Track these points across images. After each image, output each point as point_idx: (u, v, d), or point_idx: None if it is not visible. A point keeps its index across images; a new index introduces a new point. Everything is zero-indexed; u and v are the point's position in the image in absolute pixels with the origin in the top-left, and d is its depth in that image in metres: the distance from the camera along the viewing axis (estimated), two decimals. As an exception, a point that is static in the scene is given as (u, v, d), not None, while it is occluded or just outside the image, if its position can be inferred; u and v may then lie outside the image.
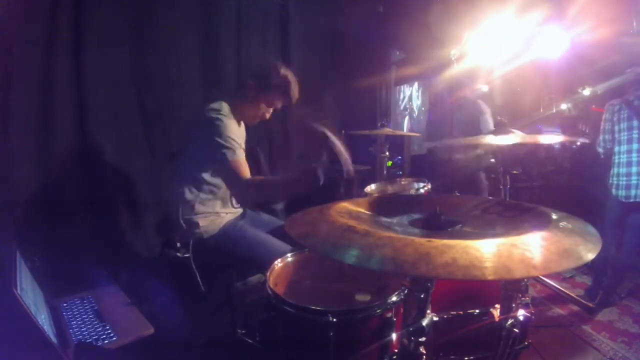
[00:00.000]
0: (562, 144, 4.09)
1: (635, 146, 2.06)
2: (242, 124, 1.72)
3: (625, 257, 2.16)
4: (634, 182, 2.05)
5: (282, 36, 2.94)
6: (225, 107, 1.52)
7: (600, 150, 2.29)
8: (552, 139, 2.11)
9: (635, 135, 2.06)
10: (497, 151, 2.05)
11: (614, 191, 2.15)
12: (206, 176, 1.55)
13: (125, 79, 2.02)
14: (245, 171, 1.45)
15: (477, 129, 2.65)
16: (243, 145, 1.67)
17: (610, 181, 2.17)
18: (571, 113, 3.92)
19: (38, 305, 1.05)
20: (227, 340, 1.62)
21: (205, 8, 2.34)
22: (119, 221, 2.02)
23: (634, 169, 2.06)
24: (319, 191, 1.30)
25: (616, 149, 2.15)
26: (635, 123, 2.06)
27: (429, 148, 2.72)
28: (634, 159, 2.06)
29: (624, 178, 2.09)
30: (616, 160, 2.15)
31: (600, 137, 2.25)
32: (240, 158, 1.44)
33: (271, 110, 1.62)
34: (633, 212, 2.08)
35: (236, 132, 1.51)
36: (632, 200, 2.06)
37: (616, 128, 2.15)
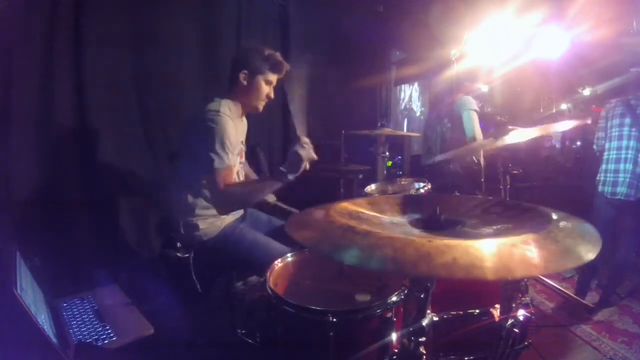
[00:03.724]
0: (563, 144, 4.11)
1: (624, 143, 2.05)
2: (244, 118, 1.72)
3: (622, 257, 2.15)
4: (620, 179, 2.04)
5: (282, 36, 2.95)
6: (224, 105, 1.52)
7: (595, 147, 2.29)
8: (562, 125, 2.09)
9: (625, 132, 2.05)
10: (498, 151, 2.05)
11: (600, 187, 2.14)
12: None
13: (125, 79, 2.02)
14: (227, 179, 1.44)
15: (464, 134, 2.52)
16: (241, 143, 1.67)
17: (598, 177, 2.16)
18: (571, 113, 3.92)
19: (38, 305, 1.05)
20: (227, 340, 1.63)
21: (205, 8, 2.34)
22: (119, 221, 2.02)
23: (621, 166, 2.05)
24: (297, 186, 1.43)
25: (607, 145, 2.15)
26: (627, 120, 2.05)
27: (437, 160, 2.65)
28: (623, 156, 2.05)
29: (612, 174, 2.09)
30: (606, 157, 2.14)
31: (596, 135, 2.25)
32: (226, 165, 1.43)
33: (272, 88, 1.63)
34: (623, 213, 2.06)
35: (233, 133, 1.50)
36: (617, 198, 2.04)
37: (609, 124, 2.15)
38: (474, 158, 2.43)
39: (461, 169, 2.51)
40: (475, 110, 2.46)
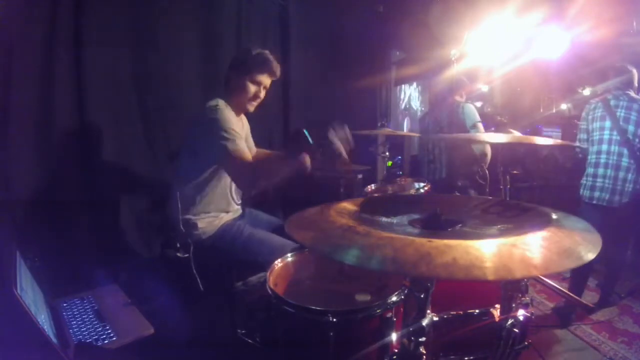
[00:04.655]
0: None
1: (605, 147, 2.01)
2: (243, 117, 1.72)
3: (617, 257, 2.14)
4: (598, 184, 2.00)
5: (282, 36, 2.94)
6: (221, 102, 1.54)
7: (578, 150, 2.25)
8: (547, 141, 2.06)
9: (606, 136, 2.01)
10: (497, 151, 2.05)
11: (580, 190, 2.11)
12: (207, 176, 1.55)
13: (125, 79, 2.02)
14: (247, 156, 1.45)
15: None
16: (244, 137, 1.67)
17: (581, 180, 2.13)
18: (571, 113, 3.92)
19: (38, 305, 1.05)
20: (227, 340, 1.63)
21: (205, 8, 2.34)
22: (119, 221, 2.02)
23: (600, 171, 2.00)
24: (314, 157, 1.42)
25: (590, 148, 2.11)
26: (607, 124, 2.01)
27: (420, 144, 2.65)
28: (602, 161, 2.01)
29: (590, 179, 2.05)
30: (588, 160, 2.11)
31: (577, 137, 2.22)
32: (240, 146, 1.43)
33: (262, 88, 1.62)
34: (609, 219, 1.98)
35: (236, 123, 1.52)
36: (595, 203, 2.00)
37: (590, 127, 2.11)
38: (479, 170, 2.44)
39: (470, 184, 2.52)
40: (479, 121, 2.48)
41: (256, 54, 1.57)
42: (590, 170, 2.07)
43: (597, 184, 2.01)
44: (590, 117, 2.11)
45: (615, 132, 1.98)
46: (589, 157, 2.10)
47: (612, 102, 2.02)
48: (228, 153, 1.41)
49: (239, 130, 1.51)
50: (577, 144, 2.23)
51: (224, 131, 1.42)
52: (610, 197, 1.97)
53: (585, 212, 2.09)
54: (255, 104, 1.64)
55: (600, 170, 2.01)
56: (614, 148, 1.98)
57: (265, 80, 1.61)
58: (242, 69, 1.57)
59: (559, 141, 2.38)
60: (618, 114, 1.98)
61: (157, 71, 2.12)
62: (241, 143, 1.45)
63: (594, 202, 2.02)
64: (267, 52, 1.60)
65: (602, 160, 2.01)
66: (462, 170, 2.54)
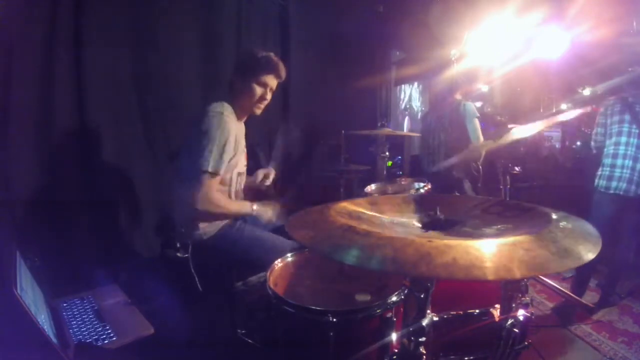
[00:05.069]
0: (563, 144, 4.11)
1: (623, 139, 2.06)
2: (242, 123, 1.72)
3: (622, 253, 2.15)
4: (616, 174, 2.05)
5: (282, 36, 2.94)
6: (226, 106, 1.52)
7: (593, 144, 2.29)
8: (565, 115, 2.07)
9: (625, 129, 2.06)
10: (498, 150, 2.07)
11: (596, 181, 2.15)
12: None
13: (125, 79, 2.02)
14: (208, 197, 1.43)
15: (464, 136, 2.58)
16: (241, 145, 1.67)
17: (597, 172, 2.18)
18: (571, 113, 3.92)
19: (38, 305, 1.05)
20: (227, 340, 1.63)
21: (205, 8, 2.34)
22: (119, 221, 2.02)
23: (618, 162, 2.05)
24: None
25: (607, 141, 2.16)
26: (626, 117, 2.06)
27: (443, 167, 2.70)
28: (620, 152, 2.06)
29: (608, 169, 2.10)
30: (605, 152, 2.16)
31: (594, 131, 2.26)
32: (214, 171, 1.42)
33: (267, 90, 1.60)
34: (623, 209, 2.05)
35: (234, 133, 1.51)
36: (613, 192, 2.05)
37: (608, 121, 2.16)
38: (474, 164, 2.49)
39: (465, 175, 2.55)
40: (477, 117, 2.53)
41: (261, 56, 1.57)
42: (607, 160, 2.11)
43: (615, 174, 2.05)
44: (609, 112, 2.16)
45: (634, 126, 2.03)
46: (606, 149, 2.15)
47: (630, 99, 2.08)
48: (201, 170, 1.41)
49: (234, 140, 1.50)
50: (593, 136, 2.27)
51: (215, 145, 1.41)
52: (627, 187, 2.01)
53: (599, 202, 2.14)
54: (262, 106, 1.63)
55: (619, 161, 2.05)
56: (633, 140, 2.03)
57: (272, 81, 1.60)
58: (248, 71, 1.56)
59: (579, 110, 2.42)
60: (637, 109, 2.04)
61: (157, 71, 2.12)
62: (220, 166, 1.44)
63: (611, 191, 2.06)
64: (272, 54, 1.59)
65: (621, 152, 2.06)
66: (459, 163, 2.59)
